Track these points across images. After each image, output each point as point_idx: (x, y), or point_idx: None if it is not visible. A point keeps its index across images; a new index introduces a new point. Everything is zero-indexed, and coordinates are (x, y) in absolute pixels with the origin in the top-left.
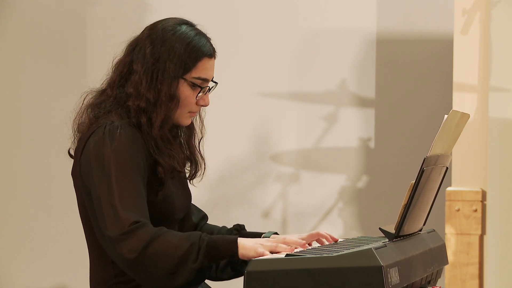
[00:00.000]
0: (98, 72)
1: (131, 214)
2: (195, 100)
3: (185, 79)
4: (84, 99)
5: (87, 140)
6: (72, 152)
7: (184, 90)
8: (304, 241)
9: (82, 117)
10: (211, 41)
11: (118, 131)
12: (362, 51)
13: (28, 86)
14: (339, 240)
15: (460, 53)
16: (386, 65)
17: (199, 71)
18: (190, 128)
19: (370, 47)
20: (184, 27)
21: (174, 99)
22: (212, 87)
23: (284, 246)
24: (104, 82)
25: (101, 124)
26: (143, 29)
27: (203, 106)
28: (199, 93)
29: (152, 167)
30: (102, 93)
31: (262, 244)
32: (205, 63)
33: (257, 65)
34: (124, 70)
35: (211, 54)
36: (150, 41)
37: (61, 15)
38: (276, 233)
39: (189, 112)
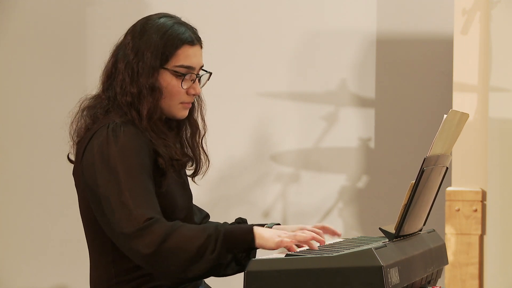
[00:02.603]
0: (98, 72)
1: (144, 210)
2: (184, 90)
3: (166, 69)
4: (80, 105)
5: (89, 140)
6: (71, 157)
7: (167, 80)
8: (321, 231)
9: (78, 122)
10: (194, 30)
11: (122, 129)
12: (362, 51)
13: (28, 86)
14: (339, 240)
15: (460, 53)
16: (386, 65)
17: (180, 59)
18: (192, 125)
19: (370, 47)
20: (163, 19)
21: (155, 90)
22: (203, 75)
23: (304, 235)
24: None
25: (104, 124)
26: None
27: (194, 95)
28: (182, 81)
29: (154, 161)
30: (96, 97)
31: (280, 236)
32: (185, 50)
33: (257, 65)
34: (112, 71)
35: (192, 41)
36: (131, 37)
37: (61, 15)
38: (278, 224)
39: (180, 103)
